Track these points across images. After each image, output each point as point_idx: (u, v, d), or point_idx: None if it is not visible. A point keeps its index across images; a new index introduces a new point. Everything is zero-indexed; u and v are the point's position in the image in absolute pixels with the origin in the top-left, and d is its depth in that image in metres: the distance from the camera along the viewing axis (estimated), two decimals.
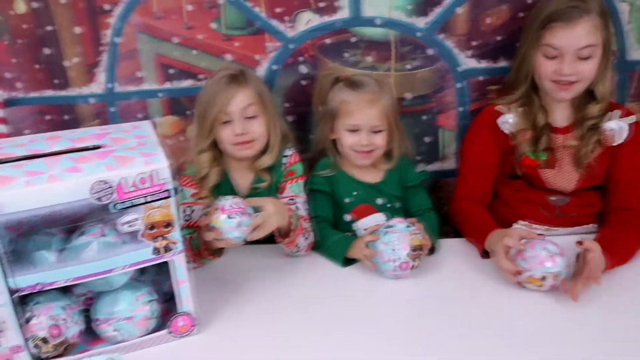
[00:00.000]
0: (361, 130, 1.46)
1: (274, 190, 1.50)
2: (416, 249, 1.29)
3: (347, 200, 1.52)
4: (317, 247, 1.45)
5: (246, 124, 1.43)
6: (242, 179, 1.51)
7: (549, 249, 1.23)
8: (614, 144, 1.45)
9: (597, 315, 1.19)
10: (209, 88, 1.45)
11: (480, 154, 1.54)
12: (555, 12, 1.37)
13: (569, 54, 1.37)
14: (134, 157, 1.05)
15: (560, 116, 1.50)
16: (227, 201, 1.22)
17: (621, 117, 1.46)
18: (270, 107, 1.47)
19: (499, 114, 1.51)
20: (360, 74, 1.53)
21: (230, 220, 1.19)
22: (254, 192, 1.49)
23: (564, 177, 1.49)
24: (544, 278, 1.22)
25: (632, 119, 1.45)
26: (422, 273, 1.34)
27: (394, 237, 1.30)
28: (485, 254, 1.38)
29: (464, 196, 1.56)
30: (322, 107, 1.52)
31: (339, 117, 1.47)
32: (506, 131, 1.50)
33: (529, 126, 1.48)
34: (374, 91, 1.45)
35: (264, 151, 1.49)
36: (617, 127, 1.45)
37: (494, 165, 1.54)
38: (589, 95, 1.46)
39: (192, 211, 1.47)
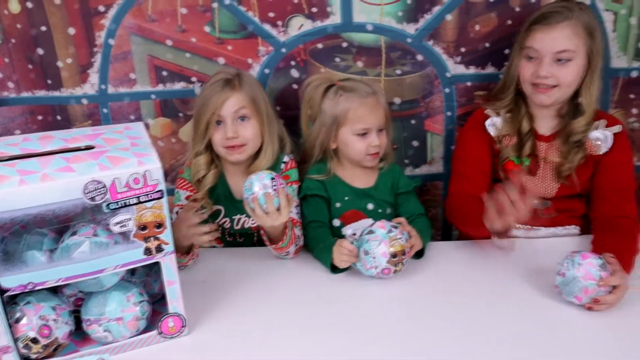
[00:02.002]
0: (371, 131, 1.47)
1: None
2: (396, 254, 1.30)
3: (337, 205, 1.54)
4: (311, 250, 1.46)
5: (238, 127, 1.44)
6: (239, 182, 1.52)
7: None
8: (599, 153, 1.48)
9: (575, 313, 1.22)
10: (204, 91, 1.46)
11: (476, 152, 1.54)
12: (539, 15, 1.42)
13: (547, 57, 1.40)
14: (127, 158, 1.05)
15: (546, 125, 1.52)
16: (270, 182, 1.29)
17: (607, 126, 1.48)
18: (264, 111, 1.48)
19: (487, 116, 1.53)
20: (347, 78, 1.55)
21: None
22: None
23: (544, 185, 1.52)
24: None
25: (617, 128, 1.48)
26: (408, 276, 1.35)
27: (373, 244, 1.30)
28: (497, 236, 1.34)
29: (462, 191, 1.53)
30: (314, 117, 1.53)
31: (345, 124, 1.48)
32: (492, 134, 1.52)
33: (514, 132, 1.51)
34: (373, 91, 1.48)
35: (258, 154, 1.50)
36: (602, 137, 1.47)
37: (489, 164, 1.54)
38: (575, 107, 1.48)
39: None
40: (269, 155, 1.50)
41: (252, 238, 1.57)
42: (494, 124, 1.52)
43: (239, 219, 1.54)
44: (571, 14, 1.39)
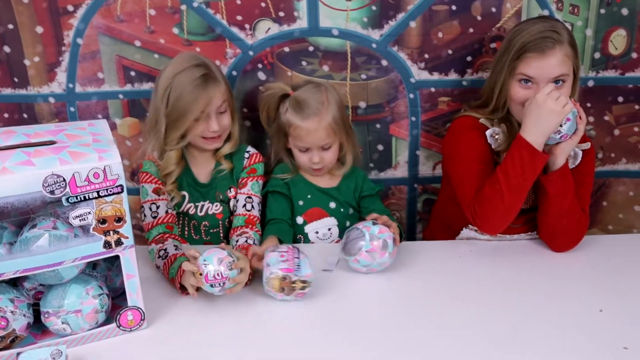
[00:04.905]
0: (312, 149, 1.52)
1: (235, 181, 1.56)
2: (283, 287, 1.24)
3: (300, 202, 1.57)
4: None
5: (219, 118, 1.49)
6: (203, 166, 1.57)
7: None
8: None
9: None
10: (183, 87, 1.43)
11: (485, 154, 1.49)
12: (529, 42, 1.40)
13: (544, 83, 1.40)
14: (88, 153, 1.07)
15: None
16: (211, 267, 1.20)
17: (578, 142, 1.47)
18: (232, 96, 1.54)
19: (484, 126, 1.51)
20: (305, 81, 1.59)
21: (213, 289, 1.21)
22: (214, 179, 1.56)
23: (529, 197, 1.51)
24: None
25: (586, 145, 1.51)
26: (379, 275, 1.37)
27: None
28: None
29: None
30: (273, 121, 1.58)
31: (289, 135, 1.53)
32: (493, 145, 1.50)
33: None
34: (319, 111, 1.49)
35: (226, 139, 1.55)
36: (572, 154, 1.49)
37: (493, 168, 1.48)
38: None
39: (158, 207, 1.49)
40: (235, 139, 1.56)
41: (218, 236, 1.59)
42: (495, 135, 1.49)
43: (203, 205, 1.57)
44: (560, 37, 1.39)
